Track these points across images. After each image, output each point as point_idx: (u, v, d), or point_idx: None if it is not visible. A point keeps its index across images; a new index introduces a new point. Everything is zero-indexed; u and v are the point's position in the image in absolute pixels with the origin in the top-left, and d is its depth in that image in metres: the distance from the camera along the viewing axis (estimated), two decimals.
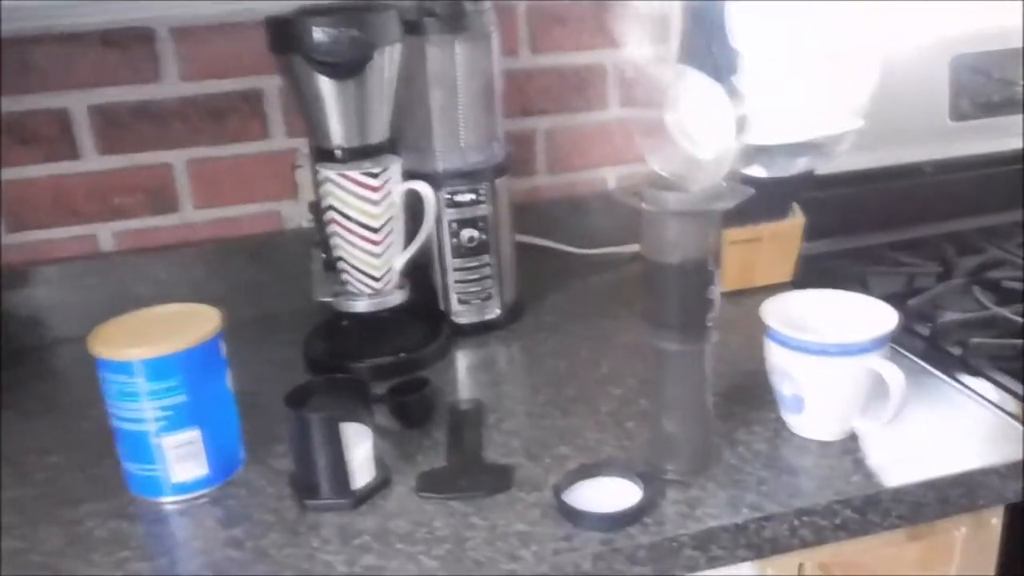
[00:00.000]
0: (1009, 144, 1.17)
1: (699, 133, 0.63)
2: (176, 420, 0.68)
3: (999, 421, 0.73)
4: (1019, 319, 0.90)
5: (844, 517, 0.64)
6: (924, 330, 0.90)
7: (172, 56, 0.99)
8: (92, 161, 1.00)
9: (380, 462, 0.70)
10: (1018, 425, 0.72)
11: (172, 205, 1.05)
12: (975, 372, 0.81)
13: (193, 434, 0.69)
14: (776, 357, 0.70)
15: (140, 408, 0.67)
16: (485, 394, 0.83)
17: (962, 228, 1.17)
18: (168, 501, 0.70)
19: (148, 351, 0.66)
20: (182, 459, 0.69)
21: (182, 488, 0.69)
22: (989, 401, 0.76)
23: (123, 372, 0.66)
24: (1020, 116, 1.17)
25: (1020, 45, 1.16)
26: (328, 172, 0.84)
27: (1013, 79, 1.17)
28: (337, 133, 0.84)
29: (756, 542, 0.63)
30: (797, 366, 0.68)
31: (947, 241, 1.13)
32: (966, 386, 0.79)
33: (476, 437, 0.75)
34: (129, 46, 0.98)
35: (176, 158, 1.03)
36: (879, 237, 1.15)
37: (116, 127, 1.00)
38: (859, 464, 0.68)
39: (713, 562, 0.63)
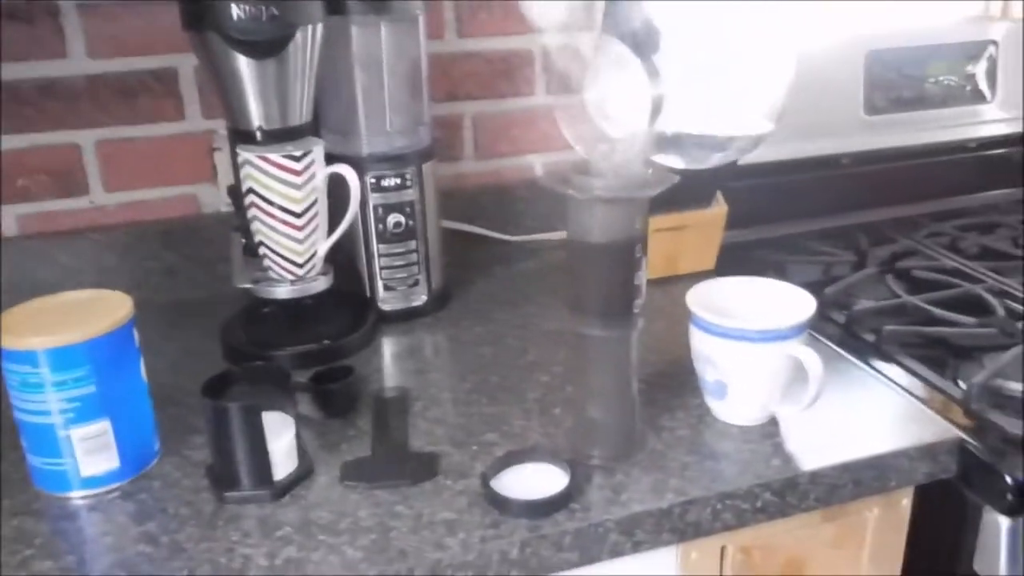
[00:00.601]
0: (920, 138, 1.22)
1: (615, 109, 0.63)
2: (84, 412, 0.65)
3: (910, 406, 0.76)
4: (929, 307, 0.93)
5: (764, 500, 0.66)
6: (840, 317, 0.92)
7: (79, 32, 0.94)
8: None
9: (302, 452, 0.69)
10: (927, 409, 0.75)
11: (81, 188, 1.00)
12: (887, 358, 0.84)
13: (103, 426, 0.66)
14: (700, 343, 0.71)
15: (45, 400, 0.64)
16: (411, 382, 0.82)
17: (876, 219, 1.21)
18: (76, 496, 0.66)
19: (53, 340, 0.63)
20: (91, 452, 0.66)
21: (91, 482, 0.66)
22: (900, 386, 0.79)
23: (26, 362, 0.63)
24: (930, 111, 1.22)
25: (930, 43, 1.21)
26: (248, 155, 0.81)
27: (922, 76, 1.22)
28: (256, 114, 0.81)
29: (680, 526, 0.64)
30: (720, 352, 0.69)
31: (861, 231, 1.16)
32: (879, 372, 0.82)
33: (401, 425, 0.74)
34: (33, 20, 0.93)
35: (85, 139, 0.98)
36: (797, 226, 1.18)
37: (20, 104, 0.95)
38: (778, 448, 0.69)
39: (638, 547, 0.63)
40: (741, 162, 1.05)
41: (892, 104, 1.20)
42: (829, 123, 1.17)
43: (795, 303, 0.72)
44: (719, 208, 1.02)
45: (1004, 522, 0.69)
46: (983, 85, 1.24)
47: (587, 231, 0.62)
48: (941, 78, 1.23)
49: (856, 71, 1.17)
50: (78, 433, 0.65)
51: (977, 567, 0.71)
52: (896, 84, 1.20)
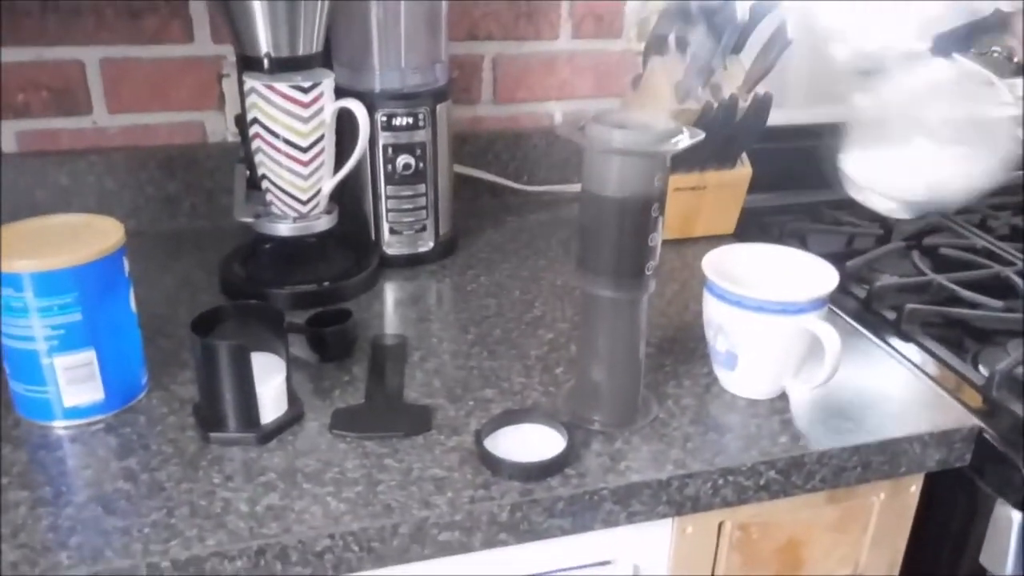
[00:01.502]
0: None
1: None
2: (69, 340, 0.62)
3: (927, 389, 0.72)
4: (954, 287, 0.89)
5: (768, 478, 0.63)
6: (860, 292, 0.89)
7: None
8: None
9: (293, 396, 0.66)
10: (945, 394, 0.72)
11: (83, 107, 0.96)
12: (907, 338, 0.81)
13: (88, 356, 0.63)
14: (713, 311, 0.68)
15: (29, 325, 0.61)
16: (410, 330, 0.79)
17: None
18: (58, 426, 0.64)
19: (39, 263, 0.60)
20: (75, 382, 0.64)
21: (74, 413, 0.64)
22: (919, 368, 0.76)
23: (10, 285, 0.60)
24: None
25: (982, 8, 1.14)
26: (254, 83, 0.77)
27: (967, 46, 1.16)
28: (265, 41, 0.77)
29: (677, 499, 0.61)
30: (733, 321, 0.66)
31: None
32: (897, 351, 0.78)
33: (398, 376, 0.72)
34: None
35: (88, 56, 0.94)
36: (823, 194, 1.14)
37: (22, 16, 0.91)
38: (787, 425, 0.67)
39: (632, 517, 0.61)
40: (769, 123, 1.01)
41: None
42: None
43: (816, 275, 0.68)
44: (744, 170, 0.98)
45: (1016, 516, 0.66)
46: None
47: (603, 185, 0.58)
48: (988, 49, 1.17)
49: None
50: (62, 362, 0.63)
51: (983, 561, 0.69)
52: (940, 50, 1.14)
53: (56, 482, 0.59)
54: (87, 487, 0.58)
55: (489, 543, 0.58)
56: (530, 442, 0.63)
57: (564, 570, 0.64)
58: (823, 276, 0.68)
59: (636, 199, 0.58)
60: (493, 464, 0.60)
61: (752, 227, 1.01)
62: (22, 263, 0.60)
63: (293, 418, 0.66)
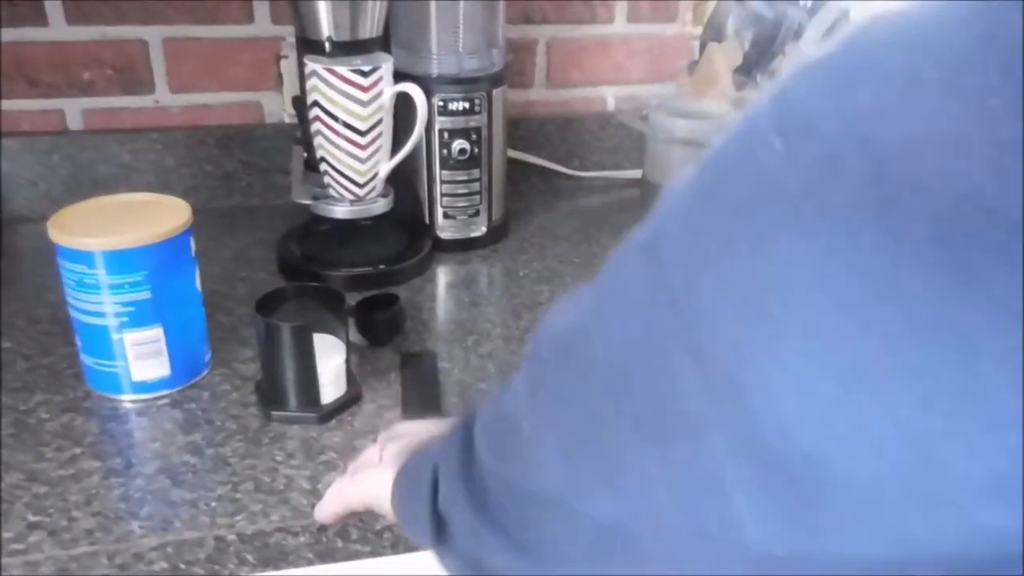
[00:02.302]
0: None
1: None
2: (138, 316, 0.64)
3: None
4: None
5: None
6: None
7: None
8: (60, 30, 0.93)
9: (351, 377, 0.68)
10: None
11: (146, 86, 0.98)
12: None
13: (156, 332, 0.65)
14: None
15: (100, 301, 0.63)
16: (463, 314, 0.80)
17: None
18: (127, 399, 0.67)
19: (111, 242, 0.62)
20: (143, 357, 0.66)
21: (142, 387, 0.66)
22: None
23: (83, 262, 0.62)
24: None
25: None
26: (315, 66, 0.78)
27: None
28: (327, 24, 0.78)
29: None
30: None
31: None
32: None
33: (433, 395, 0.71)
34: None
35: (152, 35, 0.96)
36: None
37: None
38: None
39: None
40: None
41: None
42: None
43: None
44: None
45: None
46: None
47: (664, 173, 0.58)
48: None
49: None
50: (131, 337, 0.65)
51: None
52: None
53: (126, 454, 0.61)
54: (155, 459, 0.60)
55: None
56: None
57: None
58: None
59: None
60: None
61: None
62: (95, 241, 0.62)
63: (352, 398, 0.67)
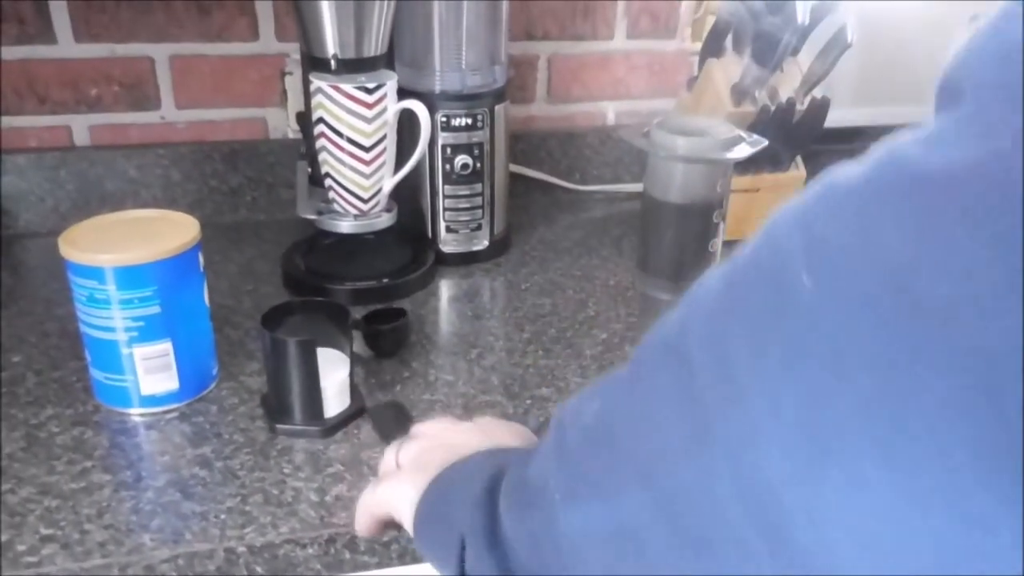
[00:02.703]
0: None
1: None
2: (148, 331, 0.65)
3: None
4: None
5: None
6: None
7: None
8: (68, 47, 0.95)
9: (355, 391, 0.69)
10: None
11: (152, 102, 1.00)
12: None
13: (165, 346, 0.66)
14: None
15: (110, 316, 0.64)
16: (466, 327, 0.81)
17: None
18: (135, 413, 0.67)
19: (122, 258, 0.63)
20: (152, 371, 0.67)
21: (151, 401, 0.67)
22: None
23: (94, 277, 0.63)
24: None
25: None
26: (320, 83, 0.80)
27: None
28: (332, 42, 0.79)
29: None
30: None
31: None
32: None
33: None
34: None
35: (159, 52, 0.97)
36: None
37: (96, 12, 0.94)
38: None
39: None
40: (825, 125, 1.02)
41: None
42: (922, 90, 1.11)
43: None
44: (797, 173, 0.98)
45: None
46: None
47: (665, 190, 0.60)
48: None
49: (957, 37, 1.10)
50: (141, 352, 0.66)
51: None
52: None
53: (136, 467, 0.62)
54: (165, 472, 0.61)
55: None
56: None
57: None
58: None
59: (698, 205, 0.59)
60: None
61: None
62: (105, 257, 0.63)
63: (355, 412, 0.68)
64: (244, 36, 0.99)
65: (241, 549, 0.55)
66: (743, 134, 0.60)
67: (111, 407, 0.68)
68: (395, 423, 0.66)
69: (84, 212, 0.68)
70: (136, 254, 0.63)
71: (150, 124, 1.00)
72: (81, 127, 0.99)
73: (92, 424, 0.66)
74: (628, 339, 0.79)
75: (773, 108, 0.90)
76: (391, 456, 0.51)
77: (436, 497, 0.43)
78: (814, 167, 0.99)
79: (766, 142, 0.60)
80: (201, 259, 0.68)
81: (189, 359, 0.68)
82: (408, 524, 0.45)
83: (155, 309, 0.65)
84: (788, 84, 0.92)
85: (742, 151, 0.58)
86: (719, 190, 0.60)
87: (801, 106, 0.91)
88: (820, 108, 0.92)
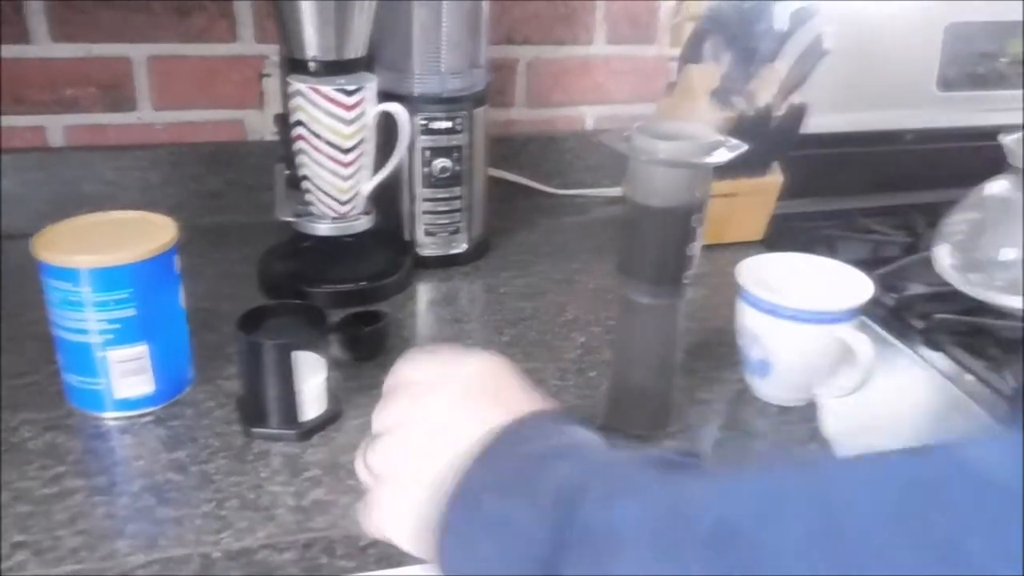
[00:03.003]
0: (990, 119, 1.16)
1: None
2: (123, 334, 0.65)
3: (954, 397, 0.73)
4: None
5: None
6: (889, 300, 0.90)
7: None
8: (45, 47, 0.94)
9: (332, 395, 0.68)
10: (973, 404, 0.73)
11: (129, 103, 0.99)
12: (935, 347, 0.82)
13: (140, 349, 0.66)
14: (747, 319, 0.69)
15: (85, 319, 0.64)
16: (445, 331, 0.81)
17: (935, 199, 1.16)
18: (110, 417, 0.67)
19: (97, 260, 0.62)
20: (127, 375, 0.66)
21: (126, 404, 0.67)
22: (947, 378, 0.77)
23: (68, 279, 0.63)
24: (1005, 91, 1.17)
25: (1016, 19, 1.15)
26: (299, 85, 0.79)
27: (998, 53, 1.16)
28: (312, 44, 0.79)
29: None
30: (768, 330, 0.67)
31: (918, 211, 1.12)
32: (926, 360, 0.79)
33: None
34: None
35: (136, 52, 0.97)
36: (851, 201, 1.15)
37: (73, 12, 0.93)
38: (816, 433, 0.68)
39: None
40: (802, 130, 1.02)
41: (967, 80, 1.15)
42: (899, 96, 1.12)
43: (850, 284, 0.69)
44: (774, 178, 0.99)
45: None
46: None
47: (646, 194, 0.60)
48: (1017, 55, 1.18)
49: (934, 42, 1.11)
50: (116, 355, 0.65)
51: None
52: (973, 59, 1.14)
53: (110, 472, 0.61)
54: (140, 477, 0.60)
55: None
56: None
57: None
58: (857, 285, 0.69)
59: (678, 209, 0.59)
60: None
61: (781, 234, 1.02)
62: (80, 258, 0.62)
63: (332, 416, 0.67)
64: (223, 37, 0.98)
65: (217, 554, 0.54)
66: (723, 138, 0.60)
67: (85, 411, 0.67)
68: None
69: (60, 215, 0.67)
70: (111, 256, 0.63)
71: (128, 125, 0.99)
72: (57, 128, 0.98)
73: (65, 428, 0.65)
74: (607, 342, 0.79)
75: (751, 114, 0.91)
76: (361, 470, 0.45)
77: (469, 514, 0.36)
78: (789, 171, 0.99)
79: (746, 146, 0.60)
80: (178, 261, 0.68)
81: (165, 362, 0.67)
82: (412, 548, 0.40)
83: (130, 312, 0.64)
84: (766, 90, 0.93)
85: (722, 155, 0.59)
86: (699, 194, 0.60)
87: (779, 112, 0.92)
88: (797, 114, 0.92)
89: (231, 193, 1.02)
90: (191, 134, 1.02)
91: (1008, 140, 0.84)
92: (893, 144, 1.15)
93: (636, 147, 0.59)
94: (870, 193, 1.16)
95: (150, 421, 0.67)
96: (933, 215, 1.12)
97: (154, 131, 1.00)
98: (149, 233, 0.66)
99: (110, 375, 0.65)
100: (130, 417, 0.67)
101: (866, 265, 0.90)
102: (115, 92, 0.98)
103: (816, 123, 0.98)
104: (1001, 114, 1.16)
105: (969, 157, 1.17)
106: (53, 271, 0.63)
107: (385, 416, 0.44)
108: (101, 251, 0.63)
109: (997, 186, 0.88)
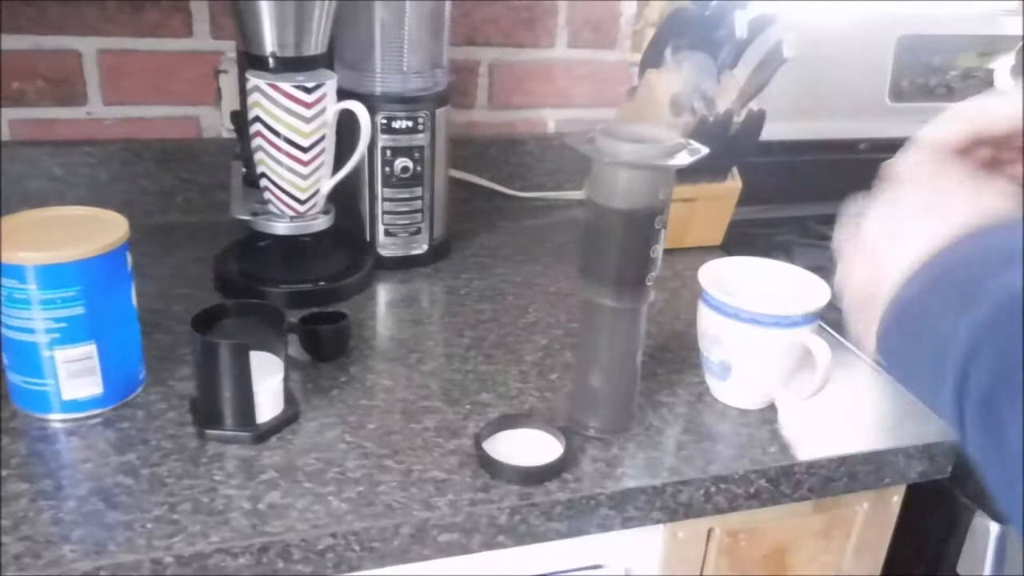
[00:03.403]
0: None
1: None
2: (70, 333, 0.62)
3: (909, 403, 0.74)
4: None
5: (758, 487, 0.65)
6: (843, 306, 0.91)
7: None
8: None
9: (289, 396, 0.67)
10: (926, 409, 0.74)
11: (79, 97, 0.96)
12: None
13: (88, 349, 0.64)
14: (708, 322, 0.69)
15: (31, 317, 0.61)
16: (405, 332, 0.80)
17: None
18: (57, 419, 0.64)
19: (44, 256, 0.60)
20: (75, 375, 0.64)
21: (73, 406, 0.64)
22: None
23: (14, 276, 0.60)
24: (952, 104, 1.19)
25: (961, 32, 1.18)
26: (258, 81, 0.78)
27: (949, 66, 1.19)
28: (271, 40, 0.77)
29: (671, 505, 0.63)
30: (729, 333, 0.68)
31: None
32: (882, 366, 0.80)
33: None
34: None
35: (86, 46, 0.94)
36: (807, 208, 1.16)
37: (21, 4, 0.90)
38: (776, 435, 0.68)
39: (627, 522, 0.62)
40: (761, 138, 1.04)
41: (918, 92, 1.17)
42: (853, 106, 1.14)
43: (807, 289, 0.70)
44: (734, 183, 0.99)
45: (994, 527, 0.68)
46: (1009, 81, 1.21)
47: (609, 196, 0.60)
48: (968, 69, 1.21)
49: (886, 55, 1.14)
50: (63, 355, 0.63)
51: (960, 570, 0.71)
52: (924, 72, 1.17)
53: (56, 475, 0.59)
54: (87, 481, 0.58)
55: (488, 545, 0.59)
56: (528, 447, 0.64)
57: (557, 573, 0.66)
58: (815, 290, 0.70)
59: (642, 211, 0.59)
60: (493, 468, 0.61)
61: (739, 239, 1.03)
62: (26, 255, 0.60)
63: (289, 418, 0.66)
64: (178, 32, 0.96)
65: (168, 559, 0.53)
66: (686, 142, 0.60)
67: (30, 412, 0.65)
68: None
69: (5, 211, 0.65)
70: (59, 252, 0.61)
71: (76, 120, 0.97)
72: (2, 122, 0.94)
73: (9, 431, 0.63)
74: (568, 344, 0.79)
75: (711, 119, 0.91)
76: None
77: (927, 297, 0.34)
78: (747, 178, 1.00)
79: (707, 150, 0.60)
80: (129, 259, 0.66)
81: (114, 363, 0.65)
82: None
83: (79, 310, 0.62)
84: (726, 96, 0.94)
85: (685, 158, 0.59)
86: (662, 197, 0.60)
87: (738, 118, 0.93)
88: (757, 120, 0.93)
89: (185, 191, 1.00)
90: (144, 131, 0.99)
91: None
92: (847, 152, 1.17)
93: (600, 149, 0.59)
94: (825, 201, 1.17)
95: (99, 423, 0.64)
96: None
97: (104, 127, 0.98)
98: (99, 230, 0.64)
99: (57, 375, 0.63)
100: (77, 419, 0.64)
101: (822, 271, 0.91)
102: (64, 86, 0.95)
103: (772, 130, 0.99)
104: None
105: None
106: None
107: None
108: (48, 247, 0.61)
109: None
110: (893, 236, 0.37)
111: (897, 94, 1.16)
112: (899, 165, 0.42)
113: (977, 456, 0.32)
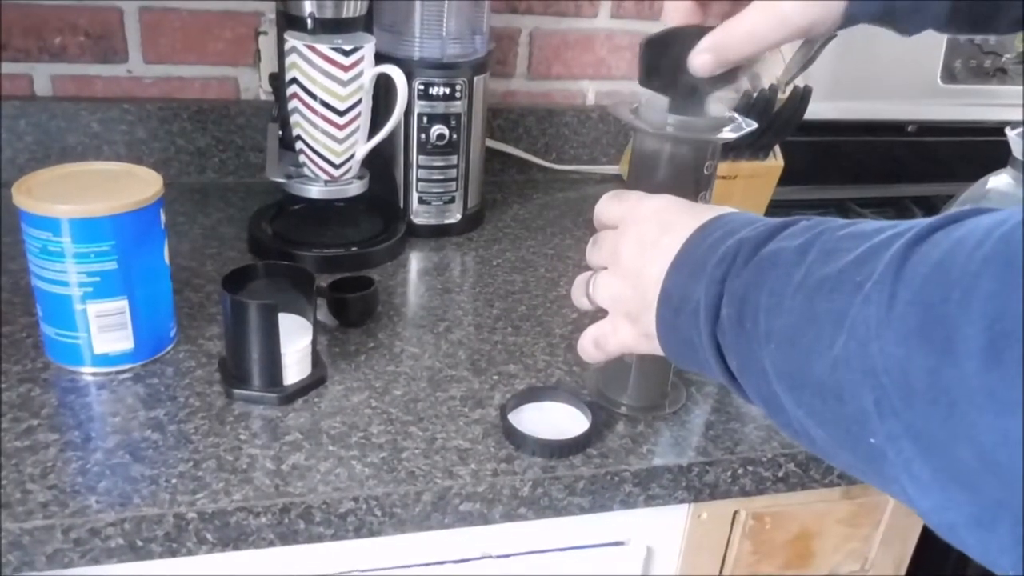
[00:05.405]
0: (991, 114, 1.16)
1: None
2: (103, 287, 0.63)
3: None
4: None
5: (787, 470, 0.64)
6: None
7: None
8: None
9: (317, 359, 0.67)
10: None
11: (119, 55, 0.96)
12: None
13: (120, 304, 0.64)
14: None
15: (64, 270, 0.62)
16: (435, 300, 0.80)
17: (933, 192, 1.15)
18: (87, 372, 0.65)
19: (79, 209, 0.60)
20: (106, 329, 0.64)
21: (104, 360, 0.65)
22: None
23: (48, 229, 0.61)
24: (1007, 87, 1.16)
25: None
26: (295, 42, 0.77)
27: (1004, 49, 1.15)
28: (311, 1, 0.77)
29: (696, 485, 0.62)
30: None
31: (916, 203, 1.12)
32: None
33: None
34: None
35: (128, 3, 0.94)
36: (849, 191, 1.14)
37: None
38: None
39: (650, 500, 0.61)
40: (805, 117, 1.01)
41: (971, 74, 1.13)
42: (902, 86, 1.11)
43: None
44: (775, 162, 0.97)
45: None
46: None
47: (652, 169, 0.58)
48: (1020, 52, 1.17)
49: (939, 35, 1.10)
50: (95, 308, 0.63)
51: None
52: (978, 53, 1.13)
53: (85, 427, 0.59)
54: (115, 434, 0.59)
55: (508, 516, 0.59)
56: (553, 420, 0.63)
57: (578, 548, 0.65)
58: None
59: (685, 186, 0.58)
60: (517, 439, 0.60)
61: None
62: (62, 207, 0.60)
63: (316, 381, 0.66)
64: None
65: (191, 515, 0.53)
66: (734, 115, 0.58)
67: (62, 365, 0.65)
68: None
69: (42, 165, 0.65)
70: (94, 206, 0.61)
71: (116, 78, 0.97)
72: (43, 77, 0.95)
73: (40, 382, 0.64)
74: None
75: (755, 95, 0.89)
76: (582, 299, 0.54)
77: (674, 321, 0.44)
78: (789, 157, 0.98)
79: (755, 125, 0.59)
80: (163, 216, 0.66)
81: (146, 319, 0.66)
82: (647, 349, 0.49)
83: (112, 265, 0.62)
84: (770, 72, 0.91)
85: (732, 132, 0.57)
86: (707, 171, 0.58)
87: (783, 95, 0.91)
88: (802, 98, 0.91)
89: (220, 152, 1.00)
90: (181, 90, 0.99)
91: (1013, 133, 0.82)
92: (894, 135, 1.14)
93: (644, 119, 0.57)
94: (868, 183, 1.15)
95: (128, 378, 0.65)
96: (930, 208, 1.11)
97: (143, 85, 0.98)
98: (134, 186, 0.64)
99: (89, 329, 0.64)
100: (108, 373, 0.65)
101: None
102: (104, 43, 0.95)
103: (817, 108, 0.96)
104: (1003, 109, 1.16)
105: (970, 151, 1.17)
106: (33, 220, 0.61)
107: (597, 254, 0.53)
108: (83, 201, 0.61)
109: (999, 180, 0.87)
110: (646, 251, 0.47)
111: (949, 75, 1.12)
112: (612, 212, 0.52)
113: (736, 367, 0.40)
